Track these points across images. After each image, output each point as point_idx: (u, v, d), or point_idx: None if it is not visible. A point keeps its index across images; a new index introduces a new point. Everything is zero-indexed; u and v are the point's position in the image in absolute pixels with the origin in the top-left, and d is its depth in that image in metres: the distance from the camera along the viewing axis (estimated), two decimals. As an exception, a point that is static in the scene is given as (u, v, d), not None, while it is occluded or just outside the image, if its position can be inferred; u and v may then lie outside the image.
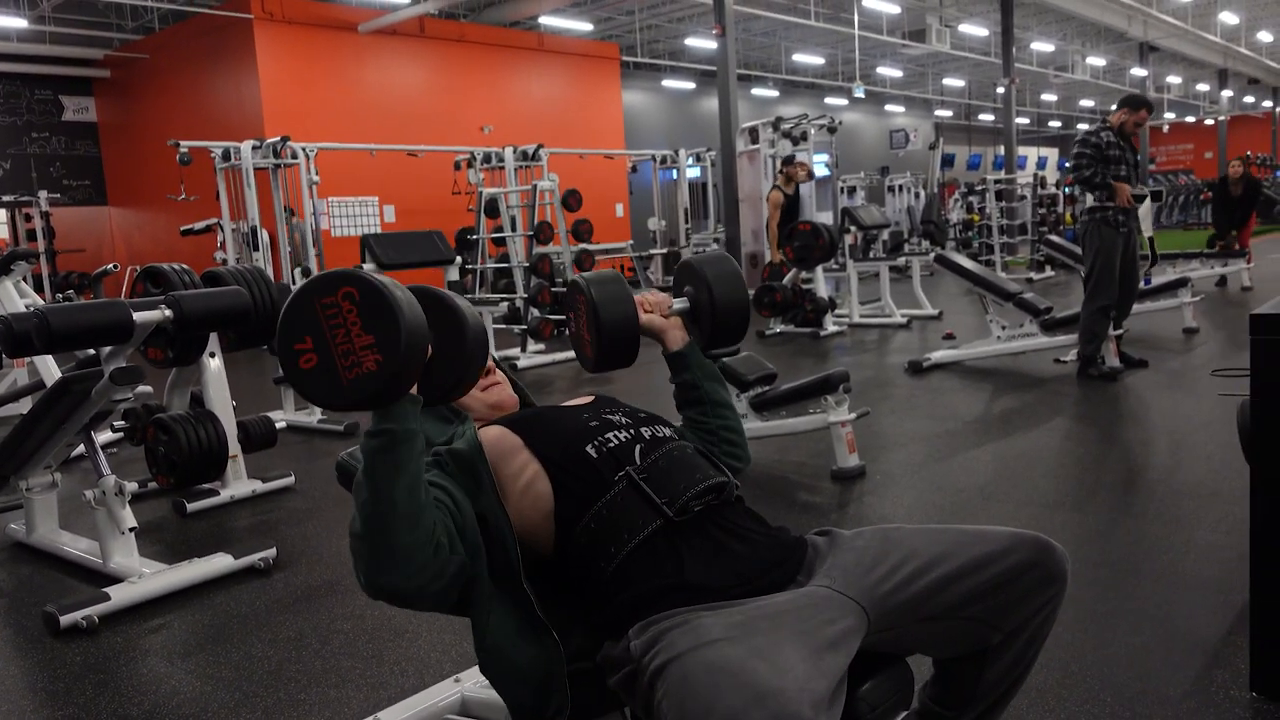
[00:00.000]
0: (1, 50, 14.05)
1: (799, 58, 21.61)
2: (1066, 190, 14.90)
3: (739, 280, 1.84)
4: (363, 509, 1.32)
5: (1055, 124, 35.31)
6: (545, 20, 16.29)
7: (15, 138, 15.29)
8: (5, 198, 13.31)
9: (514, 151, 10.69)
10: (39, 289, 11.04)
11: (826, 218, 12.42)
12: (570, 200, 8.81)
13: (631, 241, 12.43)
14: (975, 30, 19.68)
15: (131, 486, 3.21)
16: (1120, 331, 5.81)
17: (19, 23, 13.20)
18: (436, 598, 1.39)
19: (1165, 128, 28.41)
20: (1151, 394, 5.30)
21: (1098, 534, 3.08)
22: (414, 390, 1.36)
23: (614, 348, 1.75)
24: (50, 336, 2.76)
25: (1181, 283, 7.37)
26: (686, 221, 13.72)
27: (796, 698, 1.11)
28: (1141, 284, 6.86)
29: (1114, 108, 5.64)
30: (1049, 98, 30.53)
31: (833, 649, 1.24)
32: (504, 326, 8.39)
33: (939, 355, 6.37)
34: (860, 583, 1.37)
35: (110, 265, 8.97)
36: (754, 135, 12.02)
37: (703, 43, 18.62)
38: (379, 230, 13.47)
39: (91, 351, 4.25)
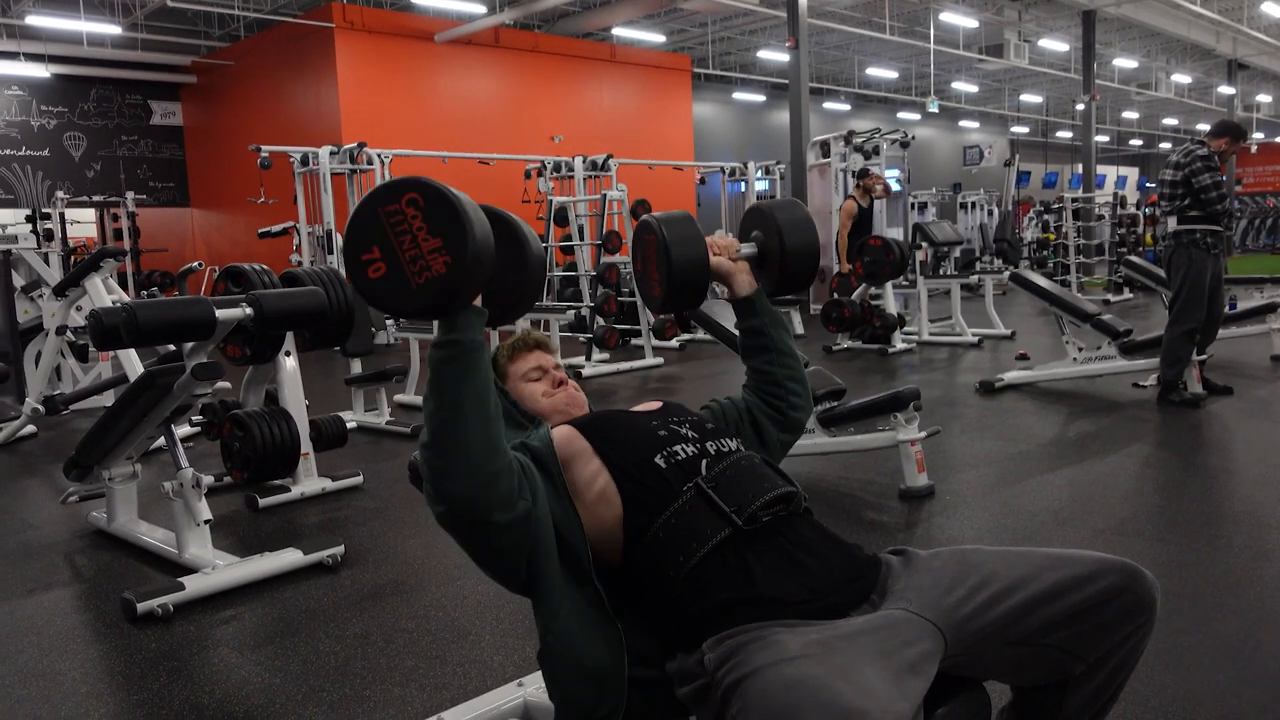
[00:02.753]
0: (97, 56, 14.63)
1: (872, 71, 21.41)
2: (1148, 211, 14.50)
3: (810, 226, 1.81)
4: (431, 420, 1.33)
5: (1136, 142, 34.41)
6: (618, 32, 16.42)
7: (106, 140, 15.89)
8: (95, 198, 13.82)
9: (583, 161, 10.77)
10: (123, 286, 11.44)
11: (897, 233, 12.25)
12: (639, 210, 8.84)
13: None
14: (1055, 45, 19.28)
15: (208, 480, 3.29)
16: (1204, 357, 5.61)
17: (113, 30, 13.74)
18: (502, 531, 1.37)
19: (1253, 148, 27.43)
20: (1236, 422, 5.11)
21: (1179, 564, 2.97)
22: (479, 305, 1.37)
23: (683, 288, 1.73)
24: (138, 330, 2.84)
25: (1270, 308, 7.10)
26: (754, 234, 13.67)
27: (880, 719, 1.08)
28: (1226, 309, 6.63)
29: (1209, 131, 5.45)
30: (1130, 115, 29.76)
31: (912, 672, 1.21)
32: (570, 334, 8.43)
33: (1012, 376, 6.23)
34: (938, 605, 1.34)
35: (195, 263, 9.25)
36: (825, 149, 11.92)
37: (774, 55, 18.57)
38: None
39: (172, 347, 4.39)
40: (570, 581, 1.45)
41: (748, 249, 1.83)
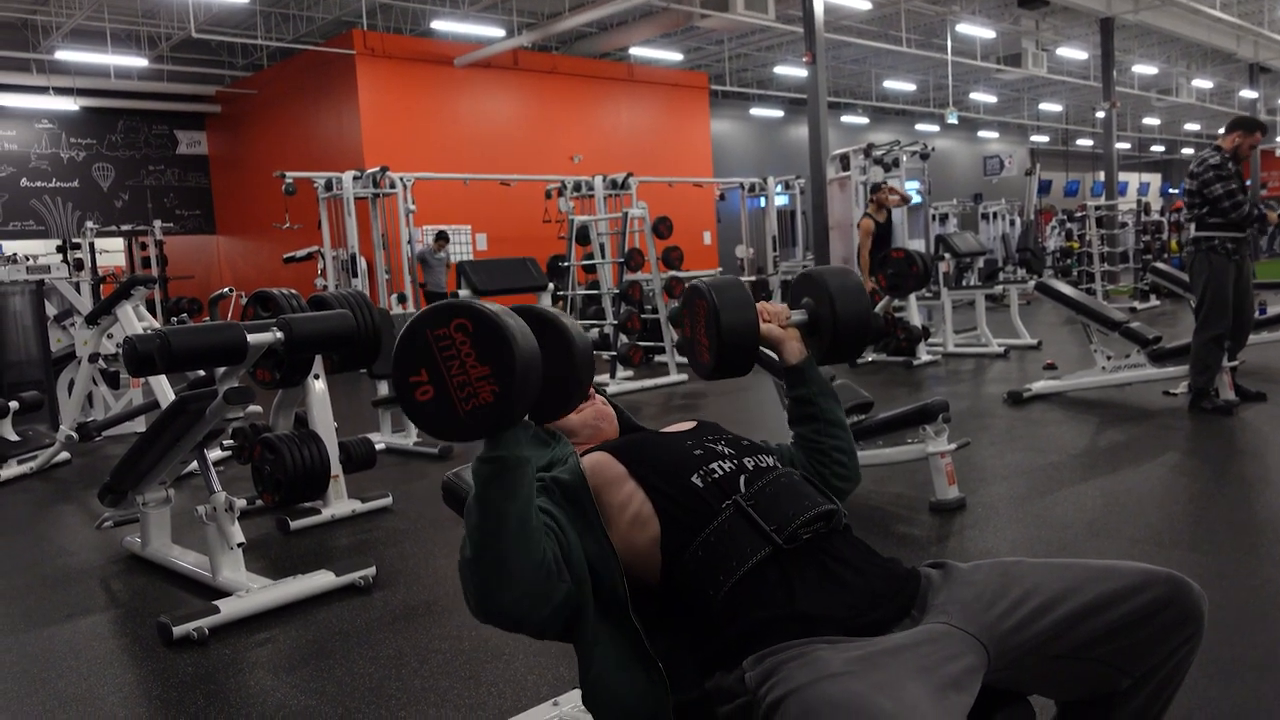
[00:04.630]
0: (124, 89, 14.89)
1: (890, 84, 21.41)
2: (1173, 217, 14.37)
3: (862, 294, 1.79)
4: (474, 534, 1.33)
5: (1158, 148, 34.15)
6: (635, 51, 16.51)
7: (134, 170, 16.15)
8: (123, 227, 14.03)
9: (604, 180, 10.82)
10: (151, 312, 11.58)
11: (919, 245, 12.21)
12: (661, 227, 8.86)
13: (720, 269, 12.42)
14: (1074, 54, 19.20)
15: (240, 503, 3.31)
16: (1235, 363, 5.54)
17: (140, 62, 13.99)
18: (544, 623, 1.39)
19: (1277, 151, 27.20)
20: (1271, 429, 5.03)
21: (1219, 575, 2.93)
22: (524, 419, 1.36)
23: (733, 355, 1.72)
24: (171, 357, 2.88)
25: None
26: (774, 249, 13.66)
27: (925, 735, 1.07)
28: (1257, 313, 6.55)
29: (1223, 131, 5.40)
30: (1151, 122, 29.54)
31: (956, 688, 1.20)
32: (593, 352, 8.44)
33: (1040, 386, 6.18)
34: (980, 619, 1.32)
35: (227, 289, 9.36)
36: (845, 162, 11.91)
37: (791, 71, 18.61)
38: (471, 258, 13.79)
39: (202, 373, 4.43)
40: (608, 623, 1.44)
41: (798, 316, 1.80)
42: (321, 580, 3.22)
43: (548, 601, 1.37)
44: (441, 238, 11.68)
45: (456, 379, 1.27)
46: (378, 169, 10.44)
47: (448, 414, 1.29)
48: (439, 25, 14.11)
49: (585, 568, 1.44)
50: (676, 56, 17.40)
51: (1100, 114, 18.42)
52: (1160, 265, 8.71)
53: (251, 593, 3.10)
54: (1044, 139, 30.53)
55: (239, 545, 3.23)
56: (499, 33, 14.31)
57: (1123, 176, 22.63)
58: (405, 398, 1.31)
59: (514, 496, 1.32)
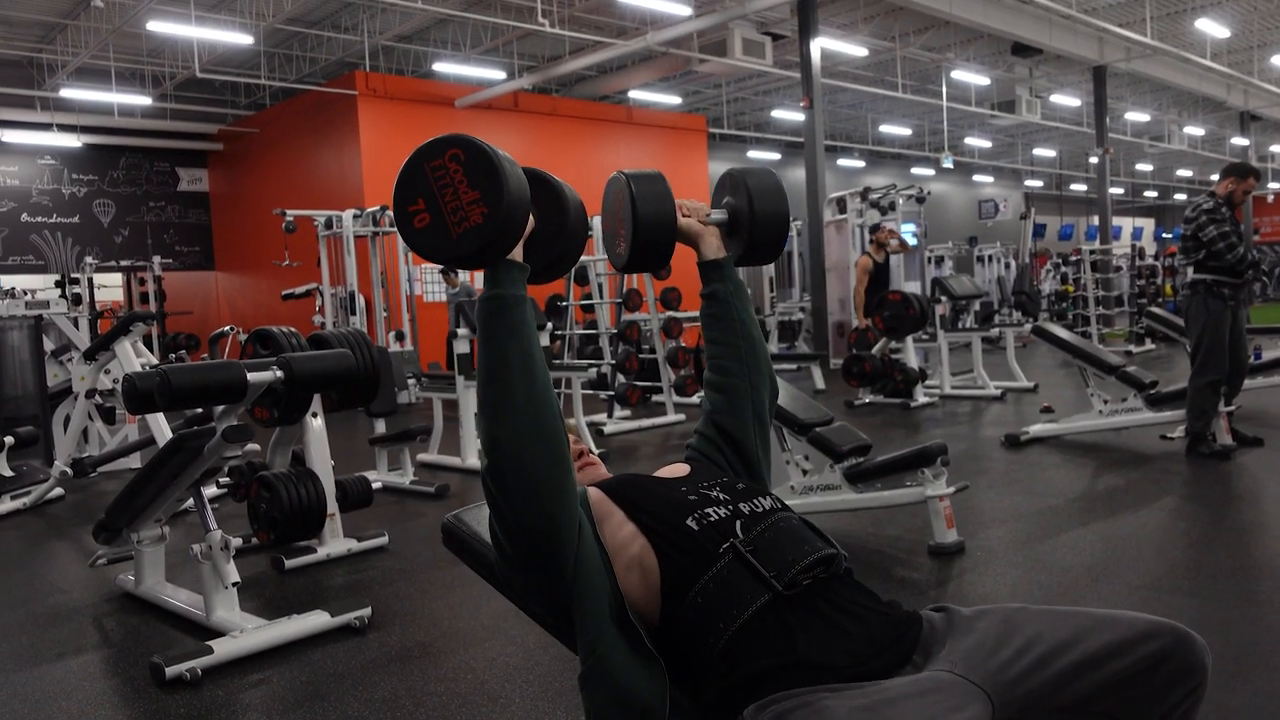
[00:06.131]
0: (128, 126, 15.01)
1: (886, 128, 21.66)
2: (1167, 262, 14.49)
3: (781, 194, 1.81)
4: (482, 370, 1.42)
5: (1151, 194, 34.48)
6: (634, 94, 16.71)
7: (135, 207, 16.22)
8: (123, 263, 14.06)
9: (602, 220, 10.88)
10: (149, 348, 11.57)
11: (915, 288, 12.28)
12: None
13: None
14: (1067, 101, 19.46)
15: (236, 541, 3.29)
16: (1232, 408, 5.56)
17: (144, 100, 14.13)
18: (548, 501, 1.39)
19: (1270, 197, 27.44)
20: (1268, 474, 5.04)
21: (1219, 622, 2.91)
22: (520, 260, 1.47)
23: (649, 247, 1.72)
24: (171, 394, 2.88)
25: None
26: (771, 290, 13.72)
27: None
28: (1251, 358, 6.59)
29: (1217, 177, 5.47)
30: (1144, 167, 29.85)
31: (959, 736, 1.19)
32: (591, 392, 8.45)
33: (1037, 429, 6.18)
34: (983, 667, 1.31)
35: (227, 327, 9.38)
36: (841, 205, 12.02)
37: (789, 114, 18.83)
38: (474, 296, 13.79)
39: (199, 410, 4.43)
40: (612, 623, 1.44)
41: (718, 214, 1.84)
42: (316, 621, 3.19)
43: (552, 453, 1.39)
44: (447, 271, 11.55)
45: (450, 204, 1.40)
46: (378, 208, 10.51)
47: (442, 237, 1.41)
48: (440, 67, 14.28)
49: (592, 538, 1.48)
50: (675, 100, 17.62)
51: (1094, 159, 18.62)
52: (1155, 309, 8.77)
53: (245, 633, 3.06)
54: (1038, 183, 30.83)
55: (234, 584, 3.20)
56: (500, 75, 14.48)
57: (1116, 221, 22.83)
58: (404, 227, 1.42)
59: (514, 334, 1.40)
